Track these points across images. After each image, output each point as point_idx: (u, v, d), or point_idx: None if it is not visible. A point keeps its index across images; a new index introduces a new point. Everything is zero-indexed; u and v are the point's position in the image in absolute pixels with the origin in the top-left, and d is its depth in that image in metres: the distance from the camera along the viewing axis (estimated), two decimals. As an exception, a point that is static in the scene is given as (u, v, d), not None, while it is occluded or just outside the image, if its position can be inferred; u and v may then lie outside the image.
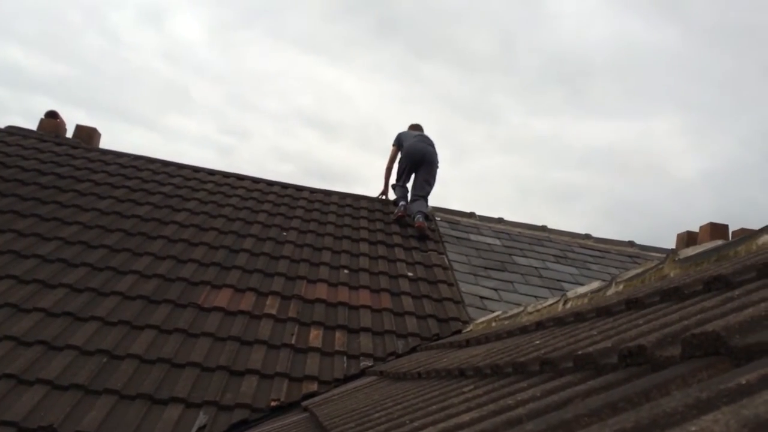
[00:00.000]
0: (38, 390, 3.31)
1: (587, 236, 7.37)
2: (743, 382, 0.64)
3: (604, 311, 1.91)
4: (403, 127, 7.43)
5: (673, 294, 1.58)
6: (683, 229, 5.88)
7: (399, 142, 7.17)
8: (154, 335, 3.98)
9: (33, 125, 7.27)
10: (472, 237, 6.70)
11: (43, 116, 7.41)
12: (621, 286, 2.58)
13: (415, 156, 6.96)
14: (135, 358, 3.72)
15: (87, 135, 7.40)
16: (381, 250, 5.87)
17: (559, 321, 2.26)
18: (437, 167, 7.05)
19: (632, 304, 1.75)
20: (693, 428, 0.51)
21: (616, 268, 6.36)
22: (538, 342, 1.90)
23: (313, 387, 3.77)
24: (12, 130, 6.97)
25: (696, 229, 5.83)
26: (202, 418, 3.36)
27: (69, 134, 7.40)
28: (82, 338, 3.78)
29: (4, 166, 5.94)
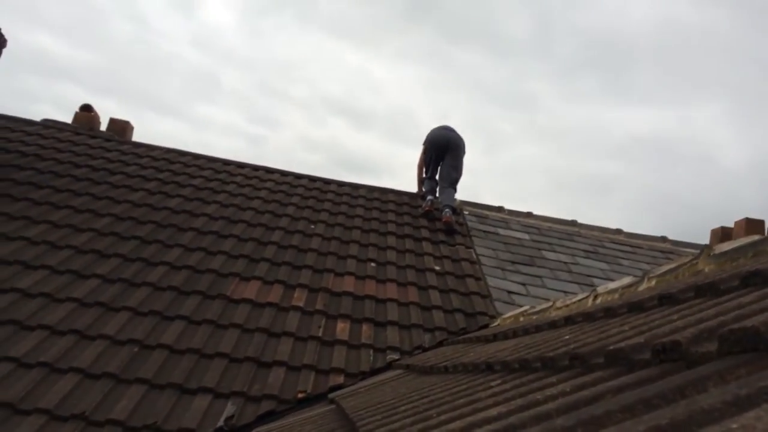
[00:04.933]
0: (71, 378, 3.37)
1: (618, 231, 7.25)
2: (785, 379, 0.61)
3: (636, 306, 1.87)
4: (434, 118, 7.47)
5: (709, 289, 1.54)
6: (730, 223, 5.77)
7: (426, 139, 7.19)
8: (183, 326, 4.03)
9: (63, 114, 7.47)
10: (501, 231, 6.64)
11: (77, 110, 7.54)
12: (653, 282, 2.53)
13: (439, 142, 7.00)
14: (165, 348, 3.77)
15: (120, 128, 7.52)
16: (408, 244, 5.85)
17: (589, 316, 2.22)
18: (463, 153, 7.05)
19: (665, 299, 1.71)
20: (734, 425, 0.49)
21: (648, 264, 6.24)
22: (567, 337, 1.87)
23: (340, 379, 3.77)
24: (48, 123, 7.10)
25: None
26: (230, 408, 3.39)
27: (103, 127, 7.53)
28: (114, 328, 3.84)
29: (40, 159, 6.06)
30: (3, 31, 6.12)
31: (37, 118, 7.25)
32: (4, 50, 6.25)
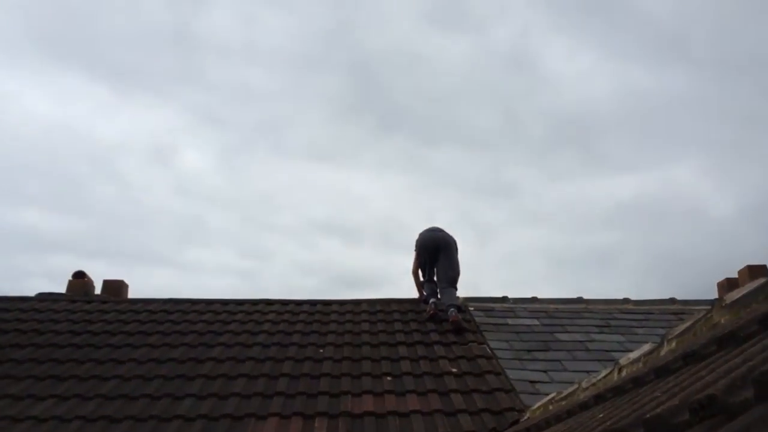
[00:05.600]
0: None
1: (626, 300, 7.20)
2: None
3: (662, 371, 1.84)
4: (422, 220, 7.60)
5: (730, 339, 1.53)
6: (732, 271, 5.81)
7: (416, 243, 7.26)
8: (205, 479, 3.85)
9: (56, 285, 7.46)
10: (510, 321, 6.57)
11: (70, 277, 7.59)
12: (674, 344, 2.49)
13: (428, 245, 7.06)
14: (190, 507, 3.58)
15: (115, 288, 7.54)
16: (421, 351, 5.75)
17: (618, 390, 2.17)
18: (456, 250, 7.08)
19: (690, 358, 1.68)
20: (791, 464, 0.48)
21: (663, 327, 6.14)
22: (601, 415, 1.82)
23: (377, 507, 3.58)
24: (43, 297, 7.12)
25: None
26: None
27: (98, 290, 7.54)
28: (133, 495, 3.67)
29: (38, 333, 6.02)
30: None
31: (32, 293, 7.28)
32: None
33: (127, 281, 7.72)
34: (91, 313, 6.62)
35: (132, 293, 7.68)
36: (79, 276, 7.62)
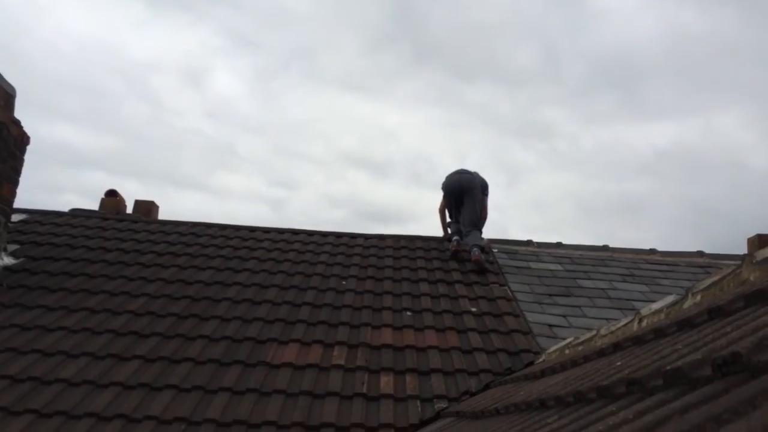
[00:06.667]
0: (122, 463, 3.34)
1: (652, 251, 7.13)
2: None
3: (685, 324, 1.82)
4: (452, 158, 7.54)
5: (759, 297, 1.50)
6: (767, 229, 5.67)
7: (442, 185, 7.22)
8: (228, 398, 4.00)
9: (88, 201, 7.65)
10: (533, 265, 6.57)
11: (103, 196, 7.74)
12: (699, 297, 2.46)
13: (453, 188, 7.02)
14: (212, 422, 3.73)
15: (146, 209, 7.68)
16: (442, 289, 5.81)
17: (638, 339, 2.16)
18: (481, 193, 7.04)
19: (715, 312, 1.66)
20: (819, 430, 0.46)
21: (688, 280, 6.10)
22: (619, 363, 1.82)
23: (390, 434, 3.69)
24: (76, 212, 7.28)
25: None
26: (283, 476, 3.33)
27: (129, 209, 7.70)
28: (159, 408, 3.83)
29: (71, 248, 6.19)
30: (24, 128, 6.33)
31: (65, 208, 7.46)
32: (28, 147, 6.46)
33: (157, 202, 7.86)
34: (122, 232, 6.78)
35: (162, 215, 7.84)
36: (112, 195, 7.77)
